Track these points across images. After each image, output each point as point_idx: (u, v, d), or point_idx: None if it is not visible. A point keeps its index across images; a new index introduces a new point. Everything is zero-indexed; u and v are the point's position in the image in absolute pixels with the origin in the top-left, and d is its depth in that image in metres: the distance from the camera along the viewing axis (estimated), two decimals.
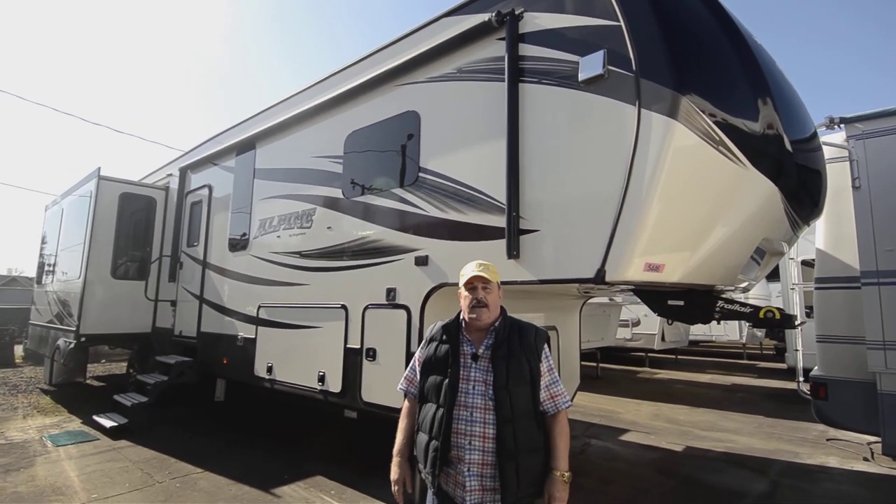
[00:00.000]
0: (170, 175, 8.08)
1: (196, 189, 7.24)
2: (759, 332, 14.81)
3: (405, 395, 2.22)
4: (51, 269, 9.03)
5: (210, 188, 6.86)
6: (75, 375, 9.35)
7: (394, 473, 2.09)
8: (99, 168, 7.34)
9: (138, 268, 7.78)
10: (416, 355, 2.17)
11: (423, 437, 2.00)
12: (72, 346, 7.12)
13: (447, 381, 1.96)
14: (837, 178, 4.25)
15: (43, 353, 9.14)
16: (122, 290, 7.54)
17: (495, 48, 3.60)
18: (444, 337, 2.06)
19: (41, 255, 9.93)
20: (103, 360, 12.25)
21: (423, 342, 2.15)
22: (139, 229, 7.84)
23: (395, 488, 2.09)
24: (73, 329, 7.08)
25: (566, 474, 1.91)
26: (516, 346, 1.97)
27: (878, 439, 4.89)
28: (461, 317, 2.10)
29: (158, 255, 7.78)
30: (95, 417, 6.21)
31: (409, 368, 2.23)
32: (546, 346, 2.05)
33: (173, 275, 7.39)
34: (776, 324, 3.42)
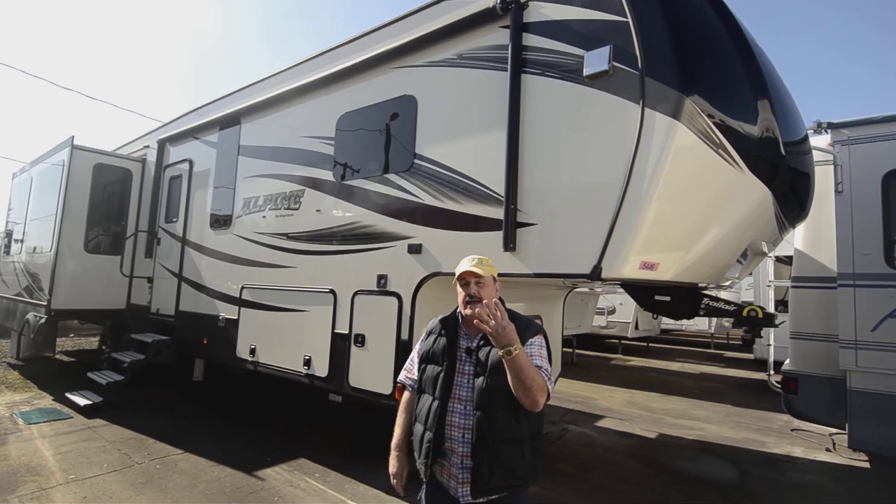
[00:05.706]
0: (147, 147, 7.77)
1: (175, 163, 6.99)
2: (727, 324, 15.31)
3: (403, 388, 2.23)
4: (19, 239, 8.65)
5: (191, 163, 6.65)
6: (44, 350, 9.09)
7: (392, 467, 2.10)
8: (73, 137, 7.01)
9: (112, 242, 7.52)
10: (416, 348, 2.21)
11: (418, 428, 2.03)
12: (42, 320, 6.88)
13: (442, 373, 1.99)
14: (819, 182, 4.36)
15: (10, 327, 8.82)
16: (96, 264, 7.29)
17: (498, 36, 3.54)
18: (443, 331, 2.09)
19: (7, 225, 9.52)
20: (72, 335, 11.91)
21: (423, 335, 2.19)
22: (114, 202, 7.56)
23: (394, 481, 2.10)
24: (44, 303, 6.83)
25: (513, 349, 1.71)
26: None
27: (840, 431, 5.16)
28: (458, 311, 2.11)
29: (134, 230, 7.52)
30: (68, 395, 6.06)
31: (408, 360, 2.25)
32: (538, 336, 1.99)
33: (150, 251, 7.17)
34: (759, 322, 3.52)
